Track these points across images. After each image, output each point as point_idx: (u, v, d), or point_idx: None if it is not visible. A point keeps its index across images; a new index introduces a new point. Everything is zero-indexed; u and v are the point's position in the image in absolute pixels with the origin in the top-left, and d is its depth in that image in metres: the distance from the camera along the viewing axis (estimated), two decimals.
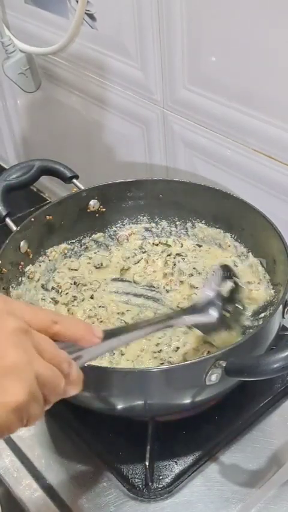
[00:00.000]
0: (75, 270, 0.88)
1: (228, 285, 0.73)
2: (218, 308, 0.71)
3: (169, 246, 0.90)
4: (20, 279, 0.80)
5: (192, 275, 0.85)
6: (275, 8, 0.66)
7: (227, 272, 0.74)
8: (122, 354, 0.75)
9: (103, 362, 0.72)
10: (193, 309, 0.70)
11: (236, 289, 0.74)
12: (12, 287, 0.78)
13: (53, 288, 0.85)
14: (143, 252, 0.90)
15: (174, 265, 0.87)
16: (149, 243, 0.91)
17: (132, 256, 0.89)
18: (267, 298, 0.78)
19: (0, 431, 0.43)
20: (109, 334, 0.57)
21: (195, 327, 0.73)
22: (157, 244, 0.91)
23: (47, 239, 0.86)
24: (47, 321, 0.50)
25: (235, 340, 0.71)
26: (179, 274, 0.85)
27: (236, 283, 0.74)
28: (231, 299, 0.73)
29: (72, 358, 0.52)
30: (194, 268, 0.86)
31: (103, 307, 0.82)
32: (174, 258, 0.88)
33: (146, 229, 0.92)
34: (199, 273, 0.85)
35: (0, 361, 0.43)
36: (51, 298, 0.84)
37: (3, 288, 0.76)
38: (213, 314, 0.70)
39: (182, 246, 0.90)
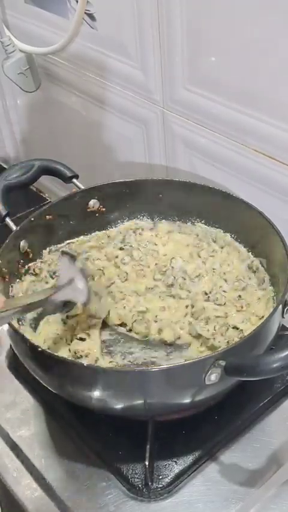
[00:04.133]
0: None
1: (78, 263, 0.79)
2: (81, 281, 0.77)
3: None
4: (21, 277, 0.81)
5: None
6: (275, 7, 0.66)
7: (70, 256, 0.79)
8: None
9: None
10: (62, 286, 0.76)
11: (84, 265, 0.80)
12: (11, 286, 0.78)
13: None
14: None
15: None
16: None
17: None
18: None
19: None
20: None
21: (72, 301, 0.78)
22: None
23: (47, 239, 0.86)
24: None
25: (110, 306, 0.82)
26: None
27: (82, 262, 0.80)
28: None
29: None
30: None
31: None
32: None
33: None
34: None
35: None
36: None
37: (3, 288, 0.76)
38: (79, 285, 0.76)
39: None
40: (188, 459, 0.70)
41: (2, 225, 0.83)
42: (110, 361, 0.75)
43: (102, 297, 0.82)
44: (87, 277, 0.78)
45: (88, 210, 0.89)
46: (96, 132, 1.05)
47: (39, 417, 0.77)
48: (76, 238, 0.89)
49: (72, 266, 0.77)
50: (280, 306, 0.68)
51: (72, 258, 0.78)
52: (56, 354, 0.71)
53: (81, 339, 0.78)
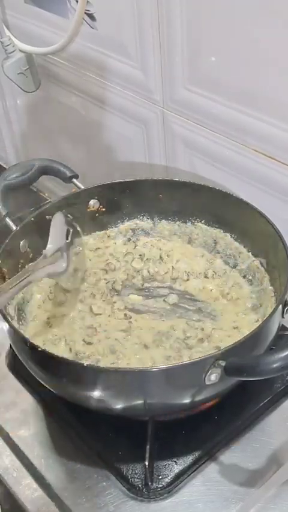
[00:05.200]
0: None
1: (68, 231, 0.81)
2: (65, 255, 0.78)
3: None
4: None
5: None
6: (275, 7, 0.66)
7: (64, 219, 0.81)
8: None
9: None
10: (45, 261, 0.76)
11: (74, 233, 0.82)
12: None
13: None
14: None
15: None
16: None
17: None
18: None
19: None
20: None
21: (48, 277, 0.79)
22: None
23: (47, 239, 0.86)
24: None
25: (80, 283, 0.84)
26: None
27: (73, 227, 0.82)
28: (72, 242, 0.82)
29: None
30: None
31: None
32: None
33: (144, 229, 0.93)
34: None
35: None
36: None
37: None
38: (62, 263, 0.78)
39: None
40: (188, 459, 0.70)
41: (2, 225, 0.83)
42: (112, 363, 0.74)
43: (79, 271, 0.83)
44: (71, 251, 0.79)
45: (88, 210, 0.89)
46: (96, 132, 1.05)
47: (39, 417, 0.77)
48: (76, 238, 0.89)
49: (62, 235, 0.78)
50: (280, 306, 0.68)
51: (68, 224, 0.80)
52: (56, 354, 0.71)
53: (89, 343, 0.77)
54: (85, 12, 0.90)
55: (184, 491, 0.68)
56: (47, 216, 0.84)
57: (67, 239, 0.81)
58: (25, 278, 0.71)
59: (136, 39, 0.85)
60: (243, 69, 0.74)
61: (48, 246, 0.78)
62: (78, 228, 0.87)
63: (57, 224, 0.81)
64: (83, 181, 0.89)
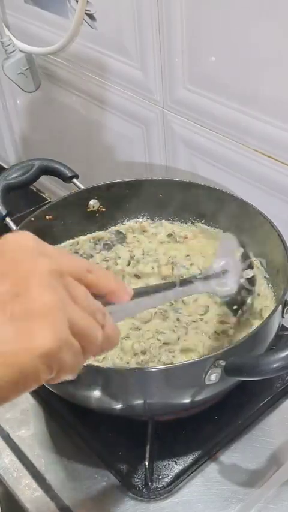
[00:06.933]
0: None
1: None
2: (235, 279, 0.69)
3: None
4: None
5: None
6: (275, 8, 0.66)
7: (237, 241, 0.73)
8: None
9: None
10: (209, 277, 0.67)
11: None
12: None
13: None
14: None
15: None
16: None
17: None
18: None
19: (27, 379, 0.40)
20: (139, 293, 0.55)
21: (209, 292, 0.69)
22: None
23: (46, 239, 0.85)
24: (81, 268, 0.46)
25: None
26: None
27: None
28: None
29: None
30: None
31: None
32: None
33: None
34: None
35: (30, 303, 0.39)
36: None
37: None
38: (233, 284, 0.68)
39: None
40: (188, 459, 0.70)
41: (2, 225, 0.83)
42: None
43: None
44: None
45: (88, 210, 0.89)
46: (96, 132, 1.05)
47: (39, 417, 0.77)
48: (76, 238, 0.89)
49: (233, 253, 0.69)
50: (280, 306, 0.68)
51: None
52: None
53: None
54: (85, 12, 0.90)
55: (184, 491, 0.68)
56: (47, 216, 0.84)
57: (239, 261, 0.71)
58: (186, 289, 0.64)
59: (136, 39, 0.85)
60: (243, 69, 0.74)
61: (217, 260, 0.69)
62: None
63: (228, 244, 0.72)
64: (83, 181, 0.89)
